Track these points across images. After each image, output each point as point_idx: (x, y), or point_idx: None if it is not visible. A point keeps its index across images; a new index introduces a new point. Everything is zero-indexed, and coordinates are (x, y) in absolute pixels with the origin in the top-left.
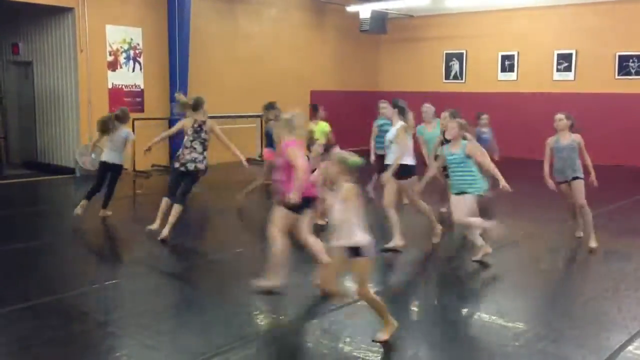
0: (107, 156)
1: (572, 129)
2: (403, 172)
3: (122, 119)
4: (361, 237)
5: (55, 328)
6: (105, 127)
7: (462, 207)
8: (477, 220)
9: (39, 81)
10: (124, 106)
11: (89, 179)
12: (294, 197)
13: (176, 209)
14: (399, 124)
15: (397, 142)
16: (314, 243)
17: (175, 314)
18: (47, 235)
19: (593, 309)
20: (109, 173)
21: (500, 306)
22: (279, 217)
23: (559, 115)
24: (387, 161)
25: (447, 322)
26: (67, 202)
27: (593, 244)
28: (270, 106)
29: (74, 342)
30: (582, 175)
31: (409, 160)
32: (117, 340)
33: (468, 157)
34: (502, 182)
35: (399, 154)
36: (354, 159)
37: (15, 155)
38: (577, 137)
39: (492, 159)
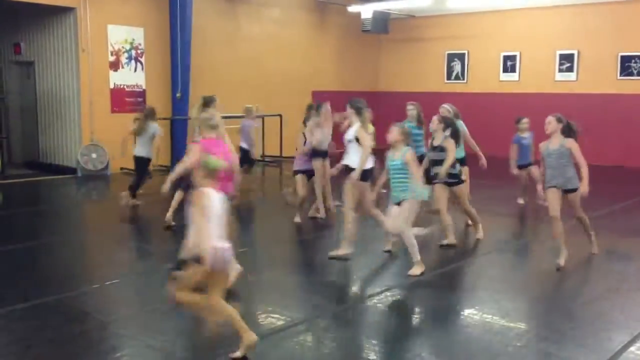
0: (138, 150)
1: (567, 133)
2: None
3: (150, 116)
4: (206, 245)
5: (56, 328)
6: (142, 129)
7: (397, 216)
8: (412, 231)
9: (41, 81)
10: (125, 104)
11: (90, 179)
12: (164, 187)
13: (178, 195)
14: (357, 124)
15: (362, 143)
16: None
17: (177, 314)
18: (48, 235)
19: (595, 310)
20: (140, 165)
21: (501, 306)
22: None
23: (549, 118)
24: (347, 162)
25: (448, 323)
26: (68, 202)
27: (595, 249)
28: (311, 107)
29: (75, 342)
30: (578, 186)
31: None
32: (118, 341)
33: (406, 164)
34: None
35: (365, 156)
36: (216, 162)
37: (17, 155)
38: (568, 143)
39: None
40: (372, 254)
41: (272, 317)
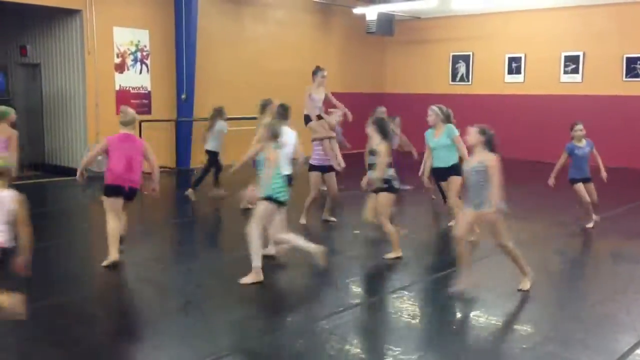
0: (209, 145)
1: (490, 147)
2: None
3: (218, 115)
4: None
5: (61, 330)
6: (211, 126)
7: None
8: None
9: (47, 83)
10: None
11: (96, 181)
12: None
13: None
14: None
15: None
16: (113, 229)
17: (182, 315)
18: (53, 237)
19: (601, 312)
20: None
21: (507, 308)
22: (108, 203)
23: (470, 129)
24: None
25: (453, 325)
26: (74, 203)
27: (525, 286)
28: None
29: (81, 343)
30: (491, 209)
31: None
32: (123, 342)
33: (268, 159)
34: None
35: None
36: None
37: (24, 156)
38: (489, 160)
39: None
40: (375, 257)
41: (278, 319)
